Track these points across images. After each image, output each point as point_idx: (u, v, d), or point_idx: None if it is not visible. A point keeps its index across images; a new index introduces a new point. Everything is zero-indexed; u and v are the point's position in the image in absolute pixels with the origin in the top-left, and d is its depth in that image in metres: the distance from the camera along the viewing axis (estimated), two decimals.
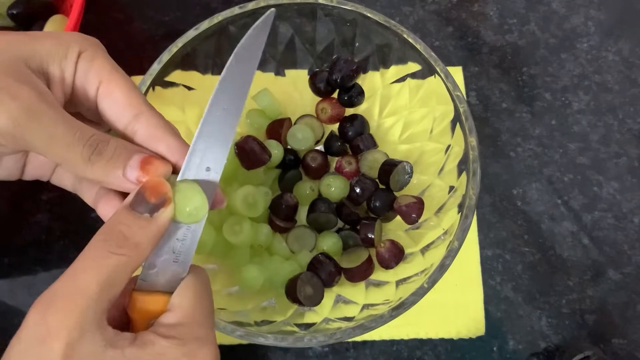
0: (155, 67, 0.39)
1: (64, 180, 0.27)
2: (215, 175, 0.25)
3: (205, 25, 0.40)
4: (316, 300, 0.38)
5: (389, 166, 0.42)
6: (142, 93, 0.25)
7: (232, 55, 0.25)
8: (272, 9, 0.26)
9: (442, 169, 0.42)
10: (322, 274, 0.39)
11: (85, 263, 0.21)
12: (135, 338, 0.22)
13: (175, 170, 0.25)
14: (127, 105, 0.24)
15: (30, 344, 0.19)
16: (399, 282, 0.39)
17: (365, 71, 0.46)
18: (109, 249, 0.21)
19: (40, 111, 0.21)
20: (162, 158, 0.24)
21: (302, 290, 0.37)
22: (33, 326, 0.20)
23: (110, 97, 0.24)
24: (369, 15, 0.41)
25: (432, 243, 0.39)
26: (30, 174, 0.27)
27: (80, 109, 0.25)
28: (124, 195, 0.24)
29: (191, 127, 0.44)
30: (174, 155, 0.24)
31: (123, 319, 0.24)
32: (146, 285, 0.24)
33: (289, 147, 0.46)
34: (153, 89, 0.39)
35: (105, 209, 0.25)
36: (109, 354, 0.20)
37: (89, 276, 0.21)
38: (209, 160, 0.25)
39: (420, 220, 0.41)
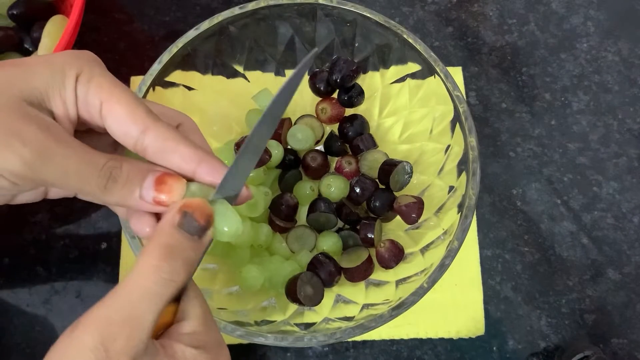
0: (156, 67, 0.39)
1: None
2: (235, 194, 0.26)
3: (205, 25, 0.40)
4: (316, 300, 0.38)
5: (388, 166, 0.42)
6: (145, 106, 0.24)
7: (280, 89, 0.26)
8: (316, 49, 0.27)
9: (441, 169, 0.42)
10: (322, 274, 0.39)
11: (143, 289, 0.21)
12: (165, 349, 0.22)
13: (188, 178, 0.25)
14: (132, 122, 0.24)
15: None
16: (398, 282, 0.39)
17: (365, 71, 0.46)
18: (167, 276, 0.22)
19: (51, 150, 0.22)
20: (177, 175, 0.24)
21: (302, 290, 0.37)
22: (92, 351, 0.20)
23: (113, 116, 0.24)
24: (368, 15, 0.41)
25: (432, 243, 0.39)
26: (54, 195, 0.27)
27: (91, 127, 0.25)
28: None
29: None
30: (189, 165, 0.24)
31: None
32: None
33: (289, 147, 0.46)
34: (153, 89, 0.39)
35: (137, 225, 0.25)
36: None
37: (147, 305, 0.21)
38: (234, 187, 0.25)
39: (420, 220, 0.41)
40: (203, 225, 0.23)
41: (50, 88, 0.23)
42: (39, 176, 0.22)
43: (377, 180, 0.43)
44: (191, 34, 0.40)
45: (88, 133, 0.25)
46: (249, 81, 0.46)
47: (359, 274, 0.40)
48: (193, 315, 0.24)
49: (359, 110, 0.47)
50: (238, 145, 0.39)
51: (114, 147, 0.27)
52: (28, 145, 0.21)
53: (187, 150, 0.24)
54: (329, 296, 0.40)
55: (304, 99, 0.48)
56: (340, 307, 0.40)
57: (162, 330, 0.24)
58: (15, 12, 0.49)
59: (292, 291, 0.37)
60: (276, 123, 0.26)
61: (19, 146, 0.21)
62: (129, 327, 0.21)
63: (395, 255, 0.40)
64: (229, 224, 0.24)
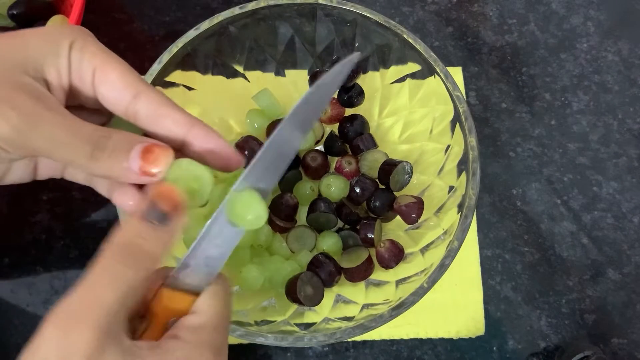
0: (156, 67, 0.39)
1: (76, 175, 0.28)
2: (267, 191, 0.26)
3: (205, 25, 0.40)
4: (316, 300, 0.38)
5: (388, 166, 0.42)
6: (137, 73, 0.25)
7: (313, 86, 0.25)
8: (358, 53, 0.27)
9: (441, 169, 0.42)
10: (322, 274, 0.39)
11: (102, 277, 0.21)
12: (153, 345, 0.22)
13: (180, 146, 0.25)
14: (124, 86, 0.24)
15: (53, 359, 0.20)
16: (398, 282, 0.39)
17: (365, 71, 0.46)
18: (125, 265, 0.21)
19: (40, 116, 0.22)
20: (165, 145, 0.24)
21: (302, 290, 0.37)
22: (54, 341, 0.20)
23: (106, 81, 0.24)
24: (368, 15, 0.41)
25: (432, 243, 0.39)
26: (43, 174, 0.27)
27: (81, 100, 0.25)
28: (136, 184, 0.25)
29: None
30: (181, 129, 0.24)
31: (140, 311, 0.24)
32: (174, 283, 0.24)
33: None
34: None
35: (121, 198, 0.25)
36: None
37: (107, 291, 0.21)
38: (263, 179, 0.26)
39: (420, 220, 0.41)
40: (167, 212, 0.23)
41: (44, 57, 0.23)
42: (27, 142, 0.22)
43: (377, 180, 0.43)
44: (191, 34, 0.40)
45: (77, 109, 0.25)
46: (249, 81, 0.46)
47: (359, 274, 0.40)
48: (205, 311, 0.24)
49: (359, 110, 0.47)
50: (238, 146, 0.39)
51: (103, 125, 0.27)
52: (17, 110, 0.21)
53: (179, 115, 0.24)
54: (329, 296, 0.40)
55: None
56: (340, 307, 0.40)
57: (173, 319, 0.24)
58: (15, 12, 0.49)
59: (292, 291, 0.37)
60: (317, 114, 0.27)
61: (8, 110, 0.21)
62: (90, 315, 0.20)
63: (395, 255, 0.40)
64: (251, 212, 0.24)
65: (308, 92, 0.25)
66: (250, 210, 0.24)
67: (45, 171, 0.27)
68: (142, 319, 0.24)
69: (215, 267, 0.25)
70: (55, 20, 0.48)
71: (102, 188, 0.27)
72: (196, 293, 0.24)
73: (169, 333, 0.23)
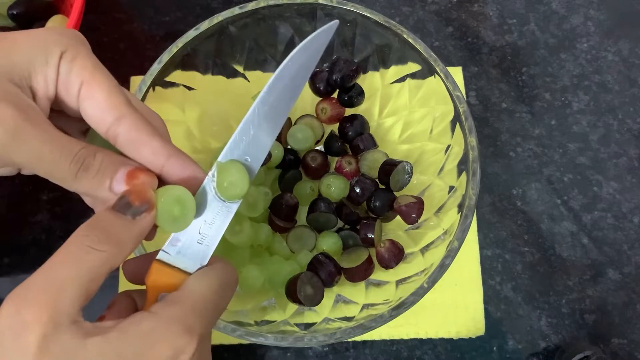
0: (156, 67, 0.39)
1: None
2: (254, 166, 0.26)
3: (205, 25, 0.40)
4: (316, 300, 0.38)
5: (389, 166, 0.42)
6: (124, 94, 0.24)
7: (290, 55, 0.26)
8: (336, 21, 0.27)
9: (442, 169, 0.42)
10: (322, 274, 0.39)
11: (63, 257, 0.21)
12: (120, 321, 0.21)
13: (160, 178, 0.25)
14: (108, 107, 0.24)
15: (5, 337, 0.19)
16: (399, 282, 0.39)
17: (365, 71, 0.46)
18: (89, 244, 0.21)
19: (26, 132, 0.21)
20: (149, 171, 0.24)
21: (302, 290, 0.37)
22: (7, 319, 0.19)
23: (92, 98, 0.24)
24: (369, 15, 0.41)
25: (432, 243, 0.39)
26: (27, 171, 0.27)
27: (63, 108, 0.25)
28: None
29: (191, 127, 0.44)
30: (159, 159, 0.24)
31: (141, 298, 0.24)
32: (168, 259, 0.24)
33: (289, 147, 0.46)
34: (153, 89, 0.39)
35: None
36: (89, 342, 0.20)
37: (65, 270, 0.21)
38: (249, 153, 0.26)
39: (420, 220, 0.41)
40: (136, 206, 0.22)
41: (32, 63, 0.23)
42: (11, 157, 0.22)
43: (377, 180, 0.43)
44: (191, 34, 0.40)
45: (58, 114, 0.25)
46: (249, 81, 0.46)
47: (359, 274, 0.40)
48: (187, 289, 0.23)
49: (359, 110, 0.47)
50: None
51: (83, 135, 0.27)
52: (2, 124, 0.21)
53: (158, 144, 0.24)
54: (329, 296, 0.40)
55: (304, 99, 0.48)
56: (340, 307, 0.40)
57: (163, 294, 0.24)
58: (15, 12, 0.49)
59: (292, 291, 0.37)
60: (300, 86, 0.26)
61: None
62: (45, 293, 0.20)
63: (395, 255, 0.40)
64: (230, 180, 0.25)
65: (289, 57, 0.25)
66: (231, 179, 0.25)
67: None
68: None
69: (208, 246, 0.25)
70: (55, 20, 0.48)
71: (87, 199, 0.27)
72: (190, 274, 0.24)
73: (147, 307, 0.23)
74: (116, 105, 0.24)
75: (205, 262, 0.25)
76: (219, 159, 0.25)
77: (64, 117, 0.25)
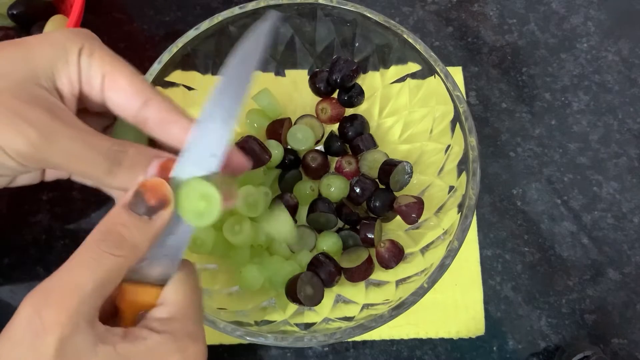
0: (156, 67, 0.39)
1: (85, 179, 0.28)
2: (218, 162, 0.24)
3: (205, 25, 0.40)
4: (316, 300, 0.38)
5: (389, 166, 0.42)
6: (145, 79, 0.25)
7: (233, 54, 0.25)
8: (273, 11, 0.26)
9: (442, 169, 0.42)
10: (322, 274, 0.39)
11: (81, 261, 0.21)
12: (127, 333, 0.22)
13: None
14: (134, 93, 0.24)
15: (24, 337, 0.20)
16: (399, 282, 0.39)
17: (365, 71, 0.46)
18: (106, 249, 0.21)
19: (57, 132, 0.22)
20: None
21: (302, 290, 0.37)
22: (27, 319, 0.20)
23: (117, 88, 0.24)
24: (369, 15, 0.41)
25: (432, 243, 0.39)
26: (50, 176, 0.27)
27: (86, 105, 0.25)
28: None
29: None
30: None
31: (110, 310, 0.24)
32: (136, 277, 0.24)
33: (289, 147, 0.46)
34: None
35: None
36: (100, 350, 0.20)
37: (84, 274, 0.21)
38: (211, 146, 0.24)
39: (420, 220, 0.41)
40: (153, 206, 0.22)
41: (54, 65, 0.23)
42: (45, 157, 0.22)
43: (377, 180, 0.43)
44: (191, 34, 0.40)
45: (82, 113, 0.25)
46: None
47: (359, 274, 0.40)
48: (171, 301, 0.23)
49: (359, 110, 0.47)
50: (237, 145, 0.39)
51: (104, 131, 0.27)
52: (34, 126, 0.21)
53: (187, 122, 0.25)
54: (329, 296, 0.40)
55: (304, 99, 0.48)
56: (340, 307, 0.40)
57: (142, 312, 0.24)
58: (15, 12, 0.49)
59: (292, 291, 0.37)
60: (246, 84, 0.25)
61: (26, 127, 0.21)
62: (64, 295, 0.20)
63: (395, 255, 0.40)
64: (200, 205, 0.23)
65: (232, 57, 0.24)
66: (198, 203, 0.23)
67: (53, 173, 0.27)
68: (114, 317, 0.24)
69: (175, 255, 0.24)
70: (55, 20, 0.48)
71: (116, 194, 0.27)
72: (162, 284, 0.24)
73: (140, 324, 0.23)
74: (141, 90, 0.24)
75: (176, 270, 0.24)
76: (174, 173, 0.23)
77: (87, 116, 0.26)
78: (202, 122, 0.24)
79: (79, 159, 0.22)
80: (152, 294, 0.24)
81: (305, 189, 0.44)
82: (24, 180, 0.26)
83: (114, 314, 0.24)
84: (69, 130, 0.22)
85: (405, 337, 0.46)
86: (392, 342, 0.46)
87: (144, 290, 0.24)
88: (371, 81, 0.46)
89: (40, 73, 0.23)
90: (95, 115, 0.26)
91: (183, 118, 0.25)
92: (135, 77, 0.24)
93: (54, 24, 0.48)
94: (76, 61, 0.24)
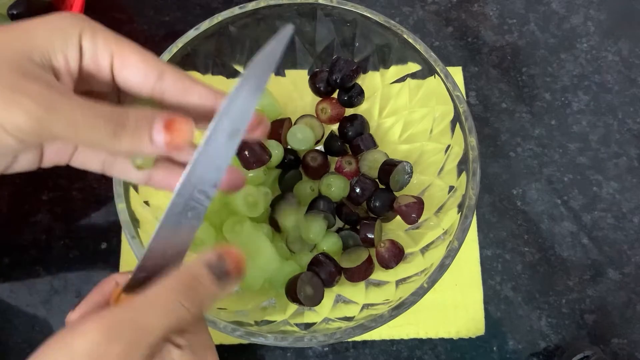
0: None
1: (86, 162, 0.28)
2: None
3: (205, 25, 0.40)
4: (316, 300, 0.38)
5: (389, 166, 0.42)
6: (152, 52, 0.25)
7: (247, 66, 0.25)
8: (291, 25, 0.26)
9: (442, 169, 0.42)
10: (322, 274, 0.39)
11: (156, 304, 0.22)
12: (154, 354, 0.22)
13: (211, 114, 0.24)
14: (148, 68, 0.24)
15: (87, 357, 0.20)
16: (399, 282, 0.39)
17: (365, 71, 0.46)
18: (182, 302, 0.22)
19: (57, 102, 0.22)
20: (185, 117, 0.24)
21: (302, 290, 0.37)
22: (94, 346, 0.20)
23: (129, 66, 0.24)
24: (369, 15, 0.41)
25: (432, 243, 0.39)
26: (48, 161, 0.27)
27: (92, 86, 0.26)
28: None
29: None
30: (208, 100, 0.25)
31: None
32: (136, 288, 0.24)
33: (289, 147, 0.46)
34: None
35: (165, 181, 0.27)
36: None
37: (157, 319, 0.21)
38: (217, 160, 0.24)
39: (420, 220, 0.41)
40: (230, 272, 0.23)
41: (51, 44, 0.23)
42: (48, 129, 0.22)
43: (377, 180, 0.43)
44: (191, 34, 0.40)
45: (85, 95, 0.25)
46: None
47: (359, 274, 0.40)
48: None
49: (359, 110, 0.47)
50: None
51: None
52: (32, 98, 0.21)
53: (204, 88, 0.25)
54: (329, 296, 0.40)
55: (304, 99, 0.48)
56: (340, 307, 0.40)
57: None
58: (15, 12, 0.49)
59: (292, 291, 0.37)
60: (258, 94, 0.25)
61: (26, 101, 0.21)
62: (137, 336, 0.21)
63: (395, 255, 0.40)
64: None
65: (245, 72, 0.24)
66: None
67: (52, 157, 0.27)
68: None
69: (174, 266, 0.25)
70: None
71: (139, 177, 0.28)
72: None
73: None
74: (154, 65, 0.25)
75: None
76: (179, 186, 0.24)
77: (91, 98, 0.26)
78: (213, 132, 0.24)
79: (82, 125, 0.22)
80: None
81: (305, 189, 0.44)
82: (21, 165, 0.26)
83: None
84: (67, 99, 0.22)
85: (405, 337, 0.46)
86: (392, 342, 0.46)
87: None
88: (371, 81, 0.46)
89: (35, 50, 0.23)
90: (99, 98, 0.26)
91: (199, 85, 0.25)
92: (145, 54, 0.25)
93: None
94: (76, 42, 0.24)
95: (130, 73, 0.25)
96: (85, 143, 0.24)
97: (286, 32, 0.25)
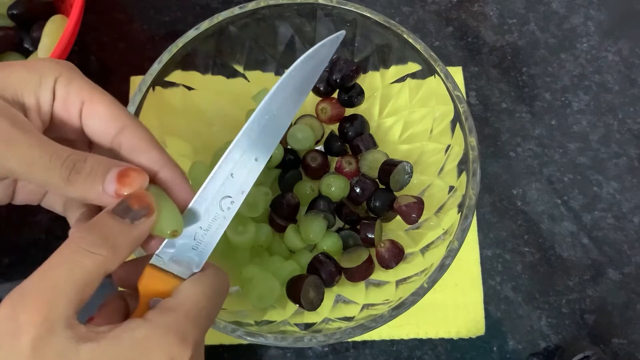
0: (156, 67, 0.39)
1: (54, 204, 0.28)
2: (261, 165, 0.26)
3: (205, 25, 0.40)
4: (316, 305, 0.38)
5: (389, 166, 0.42)
6: (123, 107, 0.26)
7: (293, 65, 0.26)
8: (343, 32, 0.27)
9: (442, 169, 0.42)
10: (323, 274, 0.39)
11: (59, 260, 0.21)
12: (114, 328, 0.21)
13: (152, 180, 0.25)
14: (112, 120, 0.25)
15: (1, 338, 0.20)
16: (399, 282, 0.39)
17: (365, 71, 0.46)
18: (85, 247, 0.21)
19: (15, 138, 0.22)
20: (140, 169, 0.24)
21: (306, 294, 0.37)
22: (3, 320, 0.20)
23: (95, 115, 0.25)
24: (369, 15, 0.41)
25: (432, 243, 0.39)
26: (20, 199, 0.27)
27: (62, 133, 0.26)
28: None
29: (191, 127, 0.44)
30: (154, 166, 0.25)
31: (131, 303, 0.24)
32: (162, 264, 0.24)
33: (289, 147, 0.46)
34: (153, 89, 0.39)
35: (74, 216, 0.26)
36: (83, 349, 0.20)
37: (61, 274, 0.21)
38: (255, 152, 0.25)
39: (420, 220, 0.41)
40: (135, 210, 0.23)
41: (25, 85, 0.24)
42: (4, 164, 0.22)
43: (377, 180, 0.43)
44: (191, 33, 0.40)
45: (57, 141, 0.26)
46: (249, 81, 0.46)
47: (359, 274, 0.40)
48: (180, 295, 0.23)
49: (359, 110, 0.47)
50: None
51: None
52: None
53: (156, 154, 0.25)
54: (329, 296, 0.40)
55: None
56: (340, 307, 0.40)
57: (155, 299, 0.24)
58: (15, 12, 0.49)
59: (293, 291, 0.37)
60: (302, 97, 0.26)
61: None
62: (40, 296, 0.20)
63: (395, 255, 0.40)
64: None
65: (292, 67, 0.25)
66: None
67: (23, 196, 0.27)
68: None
69: (203, 252, 0.25)
70: (55, 20, 0.48)
71: (69, 217, 0.27)
72: (184, 279, 0.24)
73: (140, 313, 0.23)
74: (119, 117, 0.25)
75: (199, 269, 0.25)
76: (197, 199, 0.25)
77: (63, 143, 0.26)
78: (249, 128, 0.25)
79: (37, 165, 0.22)
80: (170, 284, 0.24)
81: (305, 189, 0.44)
82: None
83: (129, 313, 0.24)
84: (27, 137, 0.22)
85: (405, 337, 0.46)
86: (392, 342, 0.46)
87: (164, 278, 0.24)
88: (371, 81, 0.46)
89: (8, 88, 0.23)
90: (70, 145, 0.26)
91: (152, 149, 0.25)
92: (114, 105, 0.25)
93: (53, 23, 0.48)
94: (50, 86, 0.24)
95: (94, 121, 0.25)
96: (38, 183, 0.24)
97: (338, 36, 0.26)
